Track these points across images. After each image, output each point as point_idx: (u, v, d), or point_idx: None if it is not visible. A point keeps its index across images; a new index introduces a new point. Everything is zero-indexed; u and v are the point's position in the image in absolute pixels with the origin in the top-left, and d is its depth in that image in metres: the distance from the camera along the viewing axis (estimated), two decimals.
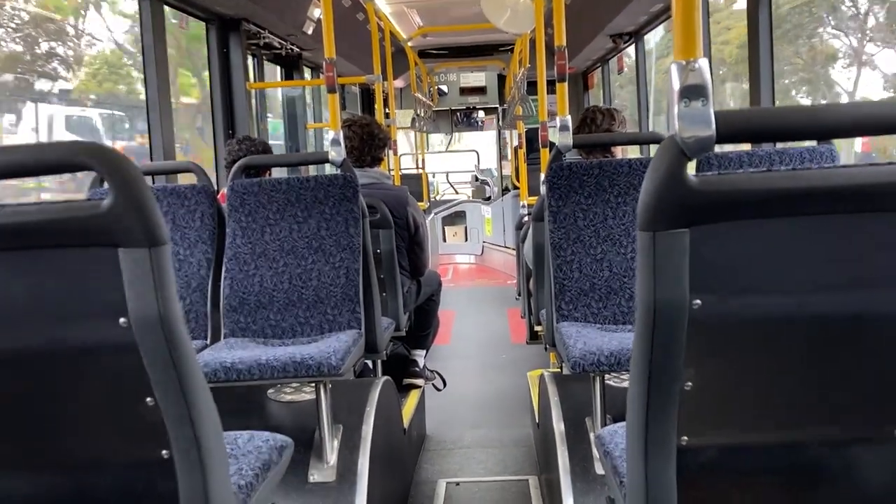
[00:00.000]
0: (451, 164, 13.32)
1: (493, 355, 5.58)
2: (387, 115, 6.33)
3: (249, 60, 5.27)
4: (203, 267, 2.69)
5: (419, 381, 3.88)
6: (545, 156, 3.60)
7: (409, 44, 7.78)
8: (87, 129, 5.38)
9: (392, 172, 6.34)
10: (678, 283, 1.00)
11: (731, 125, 0.97)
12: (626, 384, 2.54)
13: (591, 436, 2.31)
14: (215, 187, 3.07)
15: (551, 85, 3.25)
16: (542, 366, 4.27)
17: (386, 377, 2.86)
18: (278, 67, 6.50)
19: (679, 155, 0.96)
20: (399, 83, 9.00)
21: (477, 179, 11.93)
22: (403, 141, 10.96)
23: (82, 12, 5.37)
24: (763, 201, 0.98)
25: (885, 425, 1.11)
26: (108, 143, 4.28)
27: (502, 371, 5.12)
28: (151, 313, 1.05)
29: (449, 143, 12.62)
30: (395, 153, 6.13)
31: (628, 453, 1.16)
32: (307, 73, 7.03)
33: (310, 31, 5.54)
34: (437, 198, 12.67)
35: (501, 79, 10.53)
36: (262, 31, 5.28)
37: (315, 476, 2.29)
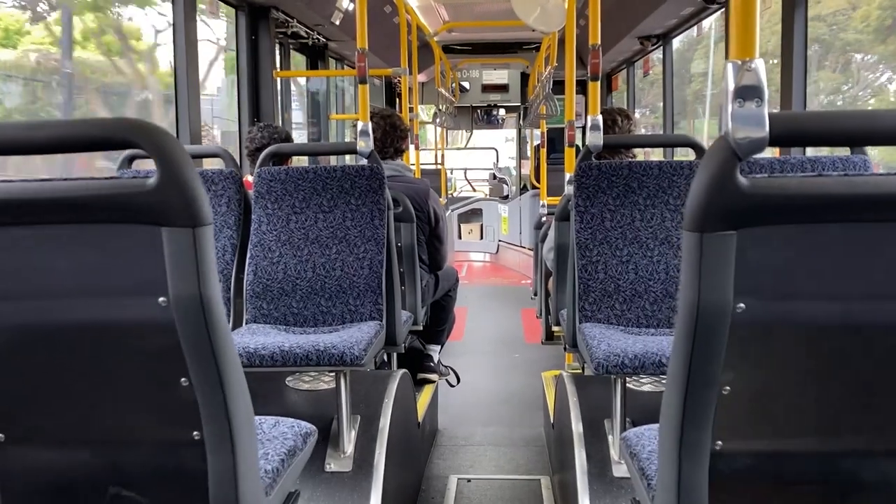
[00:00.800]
0: (469, 161, 13.31)
1: (507, 354, 5.57)
2: (410, 109, 6.32)
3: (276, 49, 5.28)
4: (227, 252, 2.70)
5: (433, 376, 3.88)
6: (570, 155, 3.58)
7: (435, 38, 7.76)
8: None
9: (413, 166, 6.33)
10: (723, 285, 0.99)
11: (785, 127, 0.95)
12: (646, 388, 2.54)
13: (610, 438, 2.30)
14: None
15: (578, 85, 3.21)
16: (557, 366, 4.25)
17: (403, 370, 2.86)
18: (303, 57, 6.52)
19: (731, 156, 0.95)
20: (421, 78, 8.98)
21: (495, 177, 11.89)
22: (429, 136, 10.91)
23: None
24: (814, 206, 0.96)
25: None
26: None
27: (515, 370, 5.10)
28: (191, 293, 1.05)
29: (468, 140, 12.58)
30: (417, 147, 6.12)
31: (660, 455, 1.15)
32: (332, 64, 7.04)
33: (338, 22, 5.54)
34: (454, 194, 12.65)
35: (524, 77, 10.46)
36: (290, 20, 5.28)
37: (332, 465, 2.29)
